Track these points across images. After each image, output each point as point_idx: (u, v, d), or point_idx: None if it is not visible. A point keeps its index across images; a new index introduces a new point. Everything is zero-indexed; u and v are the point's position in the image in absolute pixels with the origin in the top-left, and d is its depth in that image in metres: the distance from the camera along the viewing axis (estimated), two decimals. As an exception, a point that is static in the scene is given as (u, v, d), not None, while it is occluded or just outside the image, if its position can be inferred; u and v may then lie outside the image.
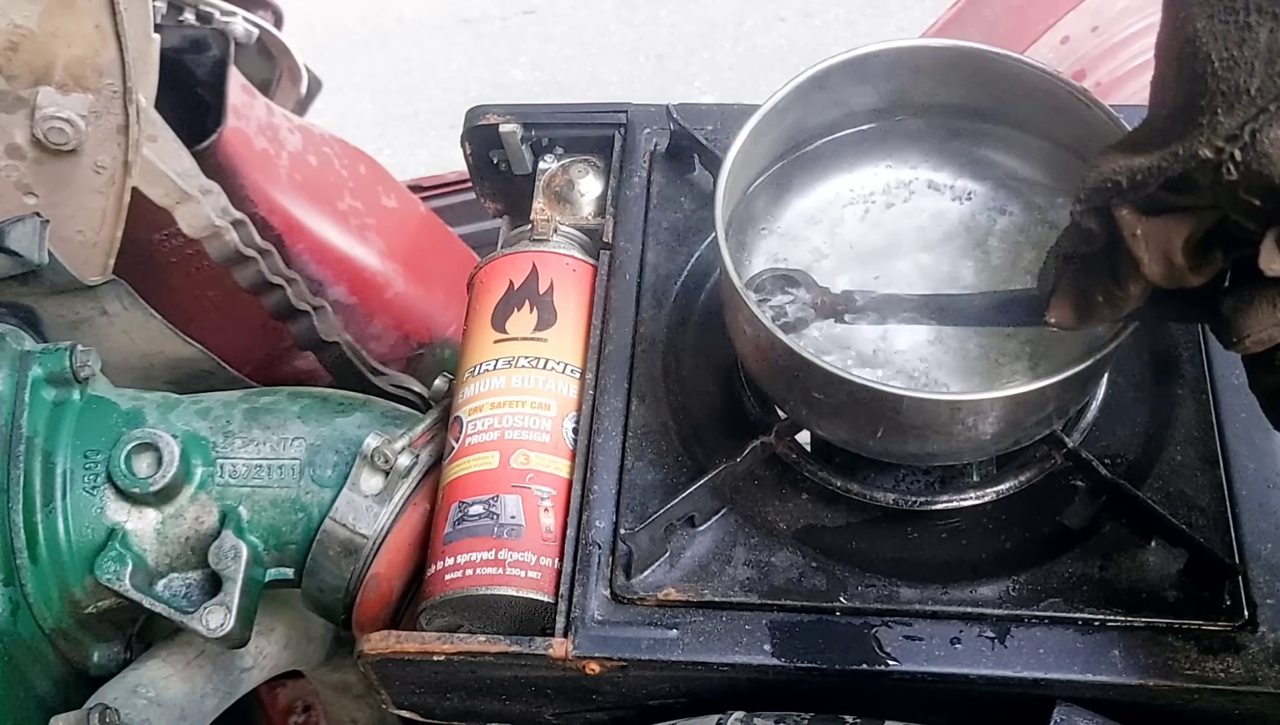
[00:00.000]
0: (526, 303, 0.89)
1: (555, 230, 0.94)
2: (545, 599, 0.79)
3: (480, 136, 1.00)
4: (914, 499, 0.82)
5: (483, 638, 0.78)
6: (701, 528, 0.82)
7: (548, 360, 0.87)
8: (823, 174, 0.89)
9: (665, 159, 0.98)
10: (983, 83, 0.84)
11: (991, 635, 0.76)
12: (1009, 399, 0.73)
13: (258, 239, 1.19)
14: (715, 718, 0.75)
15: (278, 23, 1.48)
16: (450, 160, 1.53)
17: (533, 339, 0.88)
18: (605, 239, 0.93)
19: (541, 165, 1.00)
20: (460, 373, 0.89)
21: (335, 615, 0.92)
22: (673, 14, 2.92)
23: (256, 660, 1.01)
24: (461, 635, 0.79)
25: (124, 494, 0.89)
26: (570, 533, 0.81)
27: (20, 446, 0.89)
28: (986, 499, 0.82)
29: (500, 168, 1.02)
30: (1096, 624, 0.76)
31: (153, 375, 1.09)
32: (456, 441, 0.86)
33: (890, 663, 0.76)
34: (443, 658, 0.78)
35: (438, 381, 0.94)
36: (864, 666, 0.76)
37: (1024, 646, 0.75)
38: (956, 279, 0.84)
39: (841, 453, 0.83)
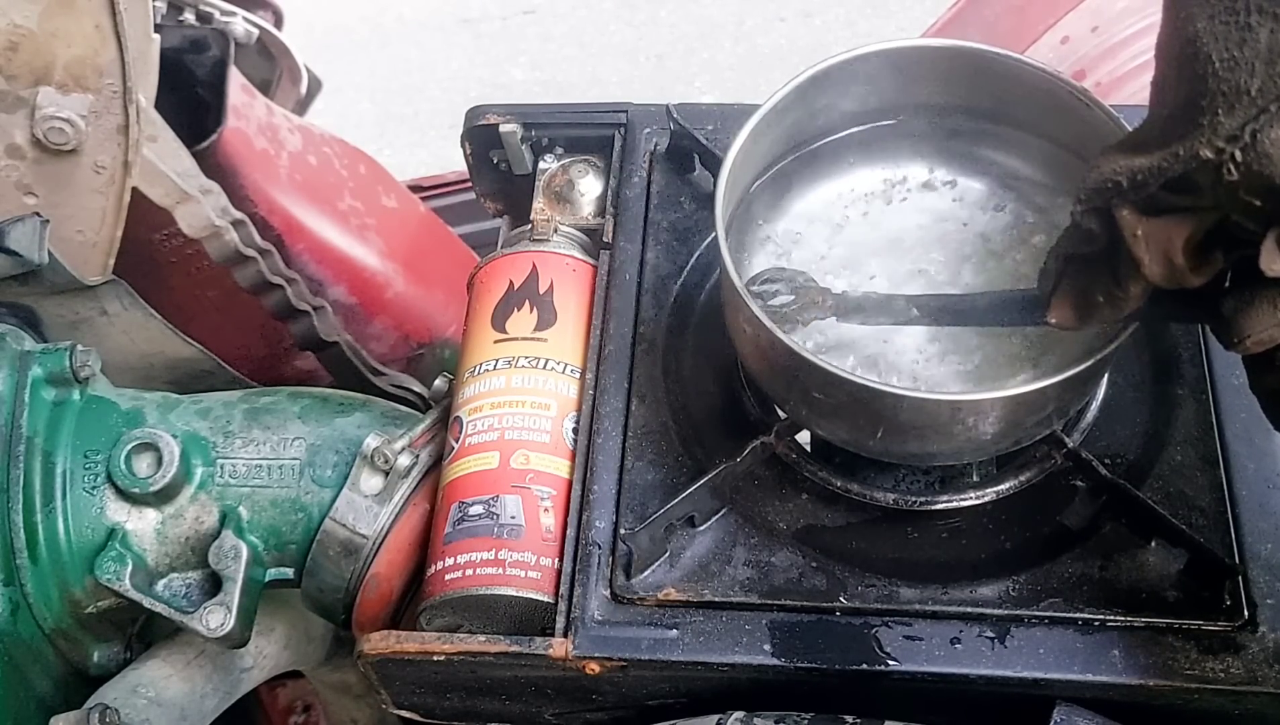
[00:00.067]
0: (526, 303, 0.89)
1: (555, 230, 0.94)
2: (545, 599, 0.79)
3: (480, 136, 1.00)
4: (914, 499, 0.82)
5: (483, 638, 0.78)
6: (701, 528, 0.82)
7: (548, 360, 0.87)
8: (823, 174, 0.88)
9: (665, 159, 0.98)
10: (983, 83, 0.84)
11: (991, 635, 0.76)
12: (1009, 399, 0.73)
13: (258, 239, 1.19)
14: (715, 718, 0.75)
15: (278, 23, 1.49)
16: (450, 160, 1.53)
17: (533, 339, 0.88)
18: (605, 239, 0.93)
19: (541, 165, 1.00)
20: (460, 373, 0.89)
21: (335, 615, 0.92)
22: (673, 14, 2.92)
23: (256, 660, 1.01)
24: (461, 635, 0.79)
25: (124, 494, 0.89)
26: (570, 533, 0.81)
27: (20, 446, 0.89)
28: (986, 499, 0.82)
29: (500, 168, 1.02)
30: (1096, 624, 0.76)
31: (153, 375, 1.09)
32: (456, 441, 0.86)
33: (890, 663, 0.76)
34: (443, 658, 0.78)
35: (438, 381, 0.94)
36: (864, 666, 0.76)
37: (1024, 646, 0.75)
38: (956, 279, 0.83)
39: (841, 453, 0.83)
